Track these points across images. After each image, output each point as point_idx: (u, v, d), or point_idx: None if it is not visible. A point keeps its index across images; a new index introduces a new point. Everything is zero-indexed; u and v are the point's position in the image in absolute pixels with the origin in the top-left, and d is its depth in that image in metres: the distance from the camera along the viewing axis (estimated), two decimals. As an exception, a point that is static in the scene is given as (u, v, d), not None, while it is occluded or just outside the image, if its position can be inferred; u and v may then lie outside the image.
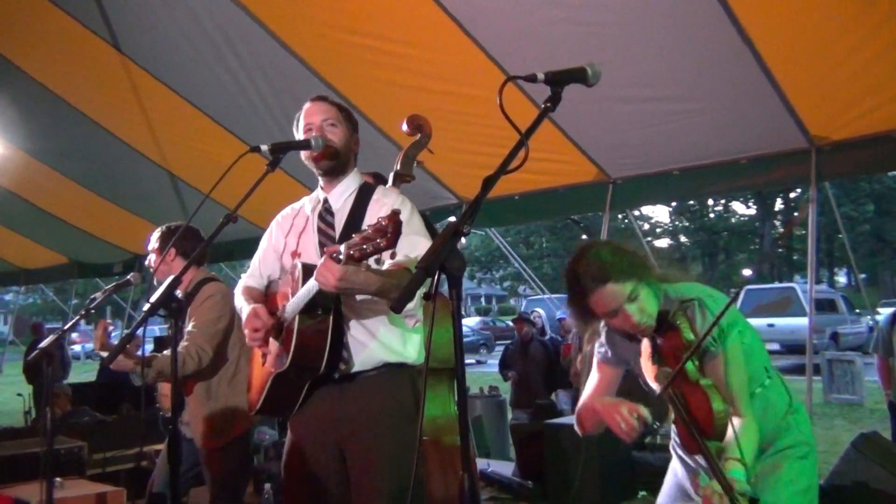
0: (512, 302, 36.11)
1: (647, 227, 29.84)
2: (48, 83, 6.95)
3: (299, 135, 2.49)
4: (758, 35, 4.04)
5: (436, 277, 1.27)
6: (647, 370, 2.08)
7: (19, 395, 8.51)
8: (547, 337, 9.13)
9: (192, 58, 5.93)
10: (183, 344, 3.18)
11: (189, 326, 3.27)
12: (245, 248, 8.90)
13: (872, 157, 4.60)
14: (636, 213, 24.67)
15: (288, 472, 2.44)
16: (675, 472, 2.29)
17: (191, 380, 3.33)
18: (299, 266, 2.25)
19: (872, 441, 4.40)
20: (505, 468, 5.79)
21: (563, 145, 5.33)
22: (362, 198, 2.43)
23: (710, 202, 30.40)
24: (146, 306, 2.10)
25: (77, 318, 3.06)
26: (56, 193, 9.00)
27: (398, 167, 3.19)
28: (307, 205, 2.56)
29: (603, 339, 2.29)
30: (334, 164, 2.43)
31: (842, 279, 34.22)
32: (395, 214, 1.82)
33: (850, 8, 3.82)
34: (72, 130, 7.49)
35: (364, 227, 1.92)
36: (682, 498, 2.20)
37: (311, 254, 2.42)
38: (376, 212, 2.34)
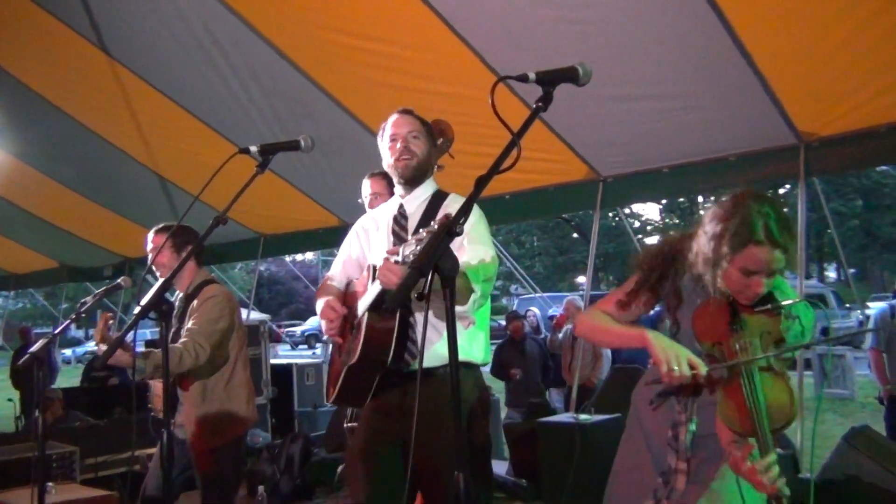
0: (504, 301, 36.14)
1: (637, 224, 29.94)
2: (36, 87, 6.91)
3: (384, 143, 2.62)
4: (746, 32, 4.06)
5: (429, 277, 1.28)
6: (707, 327, 2.01)
7: (10, 400, 8.45)
8: (542, 336, 9.12)
9: (180, 60, 5.91)
10: (181, 340, 3.17)
11: (189, 324, 3.25)
12: (236, 250, 8.89)
13: (860, 152, 4.63)
14: (626, 210, 24.75)
15: (351, 455, 2.62)
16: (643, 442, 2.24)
17: (188, 378, 3.32)
18: (369, 266, 2.46)
19: (864, 435, 4.44)
20: (499, 467, 5.80)
21: (554, 144, 5.34)
22: (434, 204, 2.59)
23: (700, 199, 30.52)
24: (137, 308, 2.09)
25: (67, 322, 3.04)
26: (45, 197, 8.95)
27: None
28: (385, 210, 2.72)
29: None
30: (416, 174, 2.59)
31: (831, 274, 34.39)
32: (445, 217, 1.92)
33: (837, 4, 3.84)
34: (60, 134, 7.44)
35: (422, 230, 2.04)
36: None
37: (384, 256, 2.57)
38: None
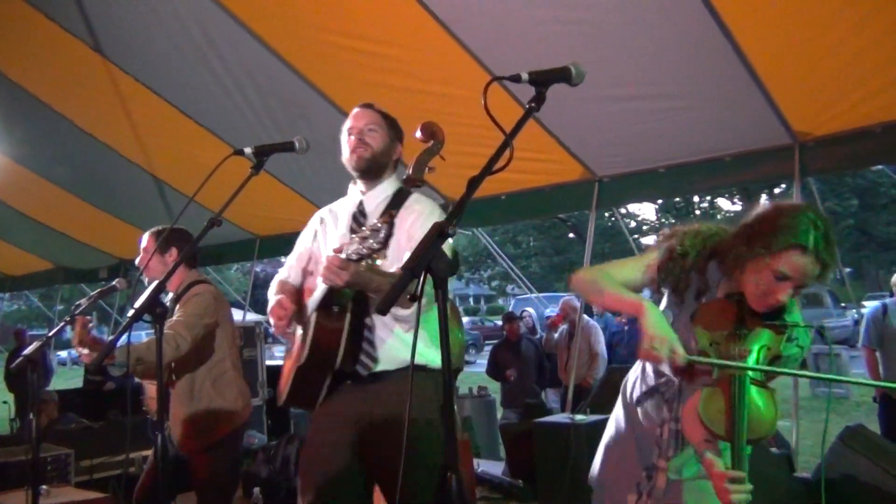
0: (500, 301, 36.14)
1: (633, 224, 29.93)
2: (31, 88, 6.89)
3: (343, 136, 2.55)
4: (741, 32, 4.07)
5: (422, 278, 1.27)
6: (712, 320, 1.98)
7: (4, 402, 8.44)
8: (537, 336, 9.12)
9: (176, 61, 5.90)
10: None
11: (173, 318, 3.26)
12: (233, 252, 8.87)
13: (855, 152, 4.64)
14: (623, 210, 24.73)
15: (303, 463, 2.49)
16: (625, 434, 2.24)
17: (175, 379, 3.31)
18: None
19: (858, 433, 4.44)
20: (495, 468, 5.81)
21: (549, 144, 5.35)
22: (395, 203, 2.48)
23: (696, 199, 30.55)
24: (131, 311, 2.08)
25: (62, 324, 3.03)
26: (40, 199, 8.93)
27: (409, 171, 3.26)
28: (345, 204, 2.63)
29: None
30: (369, 166, 2.49)
31: (827, 274, 34.43)
32: (389, 217, 1.87)
33: (832, 5, 3.85)
34: (56, 135, 7.43)
35: (364, 228, 1.98)
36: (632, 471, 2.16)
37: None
38: (405, 217, 2.41)
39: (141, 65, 6.18)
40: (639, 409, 2.19)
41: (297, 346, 2.39)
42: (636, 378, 2.26)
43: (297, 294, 2.54)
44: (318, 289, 2.28)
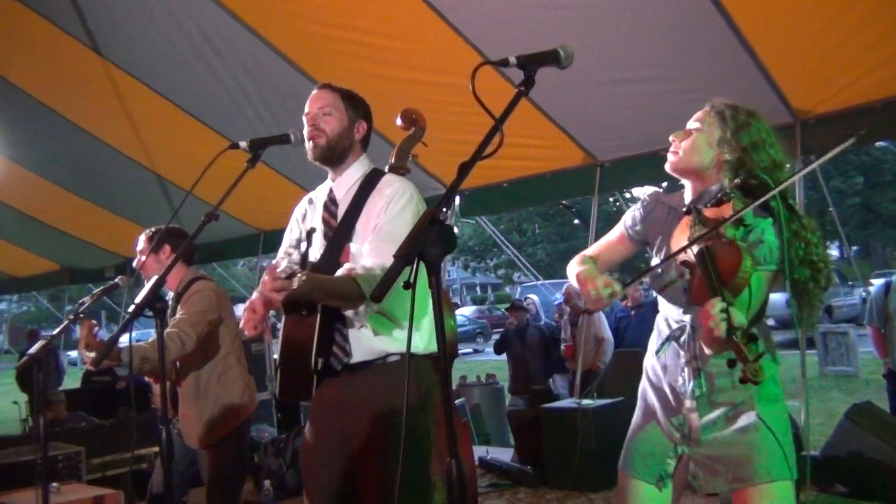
0: (507, 289, 36.14)
1: (638, 208, 29.85)
2: (29, 89, 6.90)
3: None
4: (738, 12, 4.04)
5: (415, 265, 1.27)
6: (677, 242, 2.09)
7: (14, 403, 8.50)
8: (542, 322, 9.15)
9: (172, 58, 5.90)
10: (167, 330, 3.17)
11: (176, 316, 3.28)
12: (236, 247, 8.89)
13: (857, 128, 4.60)
14: (627, 195, 24.66)
15: (303, 458, 2.49)
16: (646, 392, 2.26)
17: (182, 374, 3.34)
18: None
19: (865, 411, 4.45)
20: (504, 454, 5.83)
21: (549, 130, 5.33)
22: (365, 188, 2.38)
23: (701, 181, 30.41)
24: (131, 307, 2.09)
25: (66, 322, 3.05)
26: (44, 200, 8.95)
27: (392, 160, 3.22)
28: (320, 192, 2.54)
29: (641, 209, 2.33)
30: (326, 154, 2.39)
31: (834, 252, 34.28)
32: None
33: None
34: (56, 136, 7.44)
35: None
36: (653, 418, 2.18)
37: (318, 244, 2.42)
38: (375, 202, 2.33)
39: (138, 62, 6.17)
40: (658, 366, 2.20)
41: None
42: (653, 338, 2.28)
43: None
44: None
